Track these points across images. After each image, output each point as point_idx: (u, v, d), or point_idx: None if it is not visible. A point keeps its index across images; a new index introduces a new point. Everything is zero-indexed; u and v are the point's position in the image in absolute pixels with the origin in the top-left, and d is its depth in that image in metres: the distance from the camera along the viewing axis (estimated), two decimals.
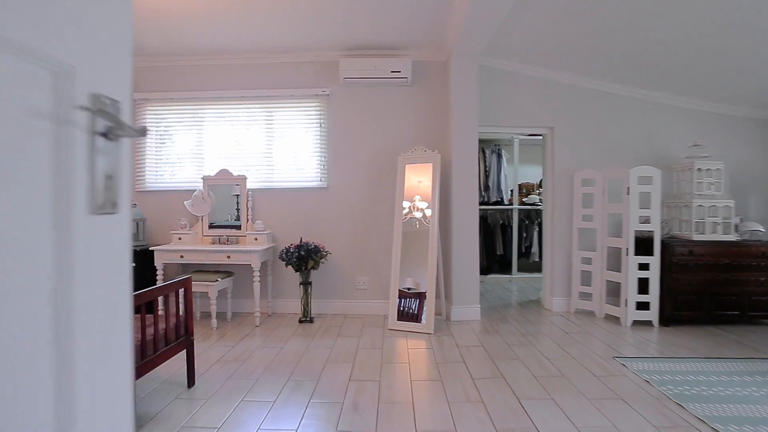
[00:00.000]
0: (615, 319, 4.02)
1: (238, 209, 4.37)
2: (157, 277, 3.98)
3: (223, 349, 3.35)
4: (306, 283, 4.08)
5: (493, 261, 6.33)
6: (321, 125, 4.37)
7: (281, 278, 4.41)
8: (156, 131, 4.48)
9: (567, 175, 4.41)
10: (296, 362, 3.06)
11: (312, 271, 4.11)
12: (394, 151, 4.34)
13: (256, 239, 4.17)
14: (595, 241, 4.20)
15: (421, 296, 3.83)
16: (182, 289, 2.63)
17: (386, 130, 4.36)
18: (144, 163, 4.46)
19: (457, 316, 4.06)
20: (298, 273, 4.12)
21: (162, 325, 2.43)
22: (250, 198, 4.33)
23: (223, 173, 4.31)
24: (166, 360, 2.39)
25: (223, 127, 4.44)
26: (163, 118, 4.47)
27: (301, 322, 4.08)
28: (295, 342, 3.51)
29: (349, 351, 3.28)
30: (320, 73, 4.36)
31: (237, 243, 4.23)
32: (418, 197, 4.05)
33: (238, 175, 4.30)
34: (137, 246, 4.17)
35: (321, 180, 4.38)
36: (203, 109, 4.43)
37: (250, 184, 4.37)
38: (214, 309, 3.86)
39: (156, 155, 4.49)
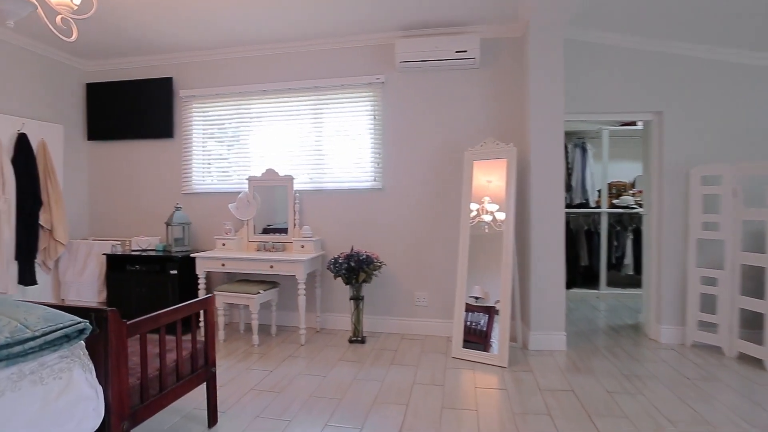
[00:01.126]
0: (754, 362, 3.06)
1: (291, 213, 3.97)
2: (199, 287, 3.68)
3: (260, 373, 2.93)
4: (357, 298, 3.58)
5: (576, 273, 5.44)
6: (375, 117, 3.85)
7: (331, 290, 3.95)
8: (203, 130, 4.22)
9: (680, 172, 3.49)
10: (339, 398, 2.56)
11: (364, 284, 3.60)
12: (460, 145, 3.70)
13: (302, 247, 3.75)
14: (722, 256, 3.25)
15: (490, 311, 3.17)
16: (202, 311, 2.22)
17: (450, 121, 3.73)
18: (191, 164, 4.22)
19: (536, 344, 3.34)
20: (348, 286, 3.64)
21: (173, 356, 2.02)
22: (297, 201, 3.91)
23: (269, 173, 3.93)
24: (174, 400, 1.98)
25: (270, 122, 4.07)
26: (210, 116, 4.20)
27: (351, 342, 3.58)
28: (341, 369, 3.01)
29: (403, 386, 2.72)
30: (373, 58, 3.84)
31: (283, 250, 3.83)
32: (487, 199, 3.38)
33: (285, 176, 3.91)
34: (181, 251, 3.91)
35: (375, 180, 3.86)
36: (248, 104, 4.10)
37: (297, 185, 3.96)
38: (255, 324, 3.48)
39: (203, 155, 4.23)
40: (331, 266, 3.53)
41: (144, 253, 3.88)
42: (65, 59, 4.19)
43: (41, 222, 3.79)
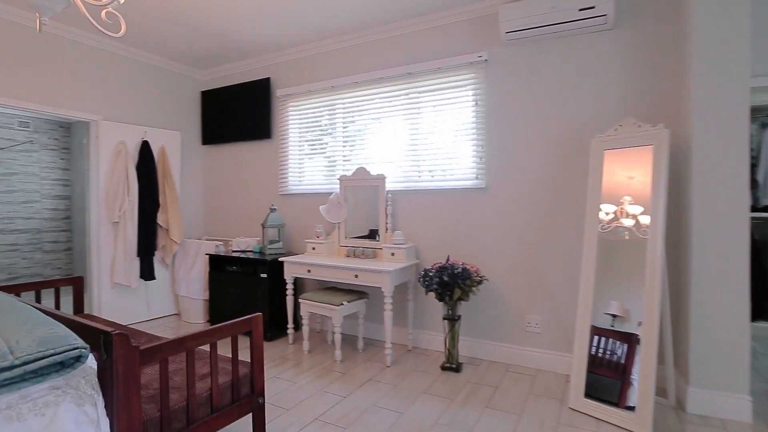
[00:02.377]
0: None
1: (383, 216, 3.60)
2: (287, 292, 3.54)
3: (331, 398, 2.60)
4: (451, 319, 3.02)
5: (764, 299, 3.97)
6: (477, 103, 3.22)
7: (426, 304, 3.46)
8: (299, 128, 4.10)
9: None
10: None
11: (462, 302, 3.02)
12: (585, 131, 2.87)
13: (393, 255, 3.33)
14: None
15: (631, 339, 2.33)
16: (247, 332, 1.94)
17: (572, 101, 2.92)
18: (287, 164, 4.15)
19: (699, 405, 2.36)
20: (442, 303, 3.10)
21: (205, 384, 1.77)
22: (389, 202, 3.51)
23: (361, 173, 3.61)
24: None
25: (361, 117, 3.75)
26: (304, 114, 4.06)
27: (443, 368, 3.04)
28: (424, 405, 2.51)
29: None
30: (473, 33, 3.21)
31: (374, 257, 3.47)
32: (627, 198, 2.51)
33: (377, 175, 3.54)
34: (275, 254, 3.84)
35: (477, 178, 3.24)
36: (340, 98, 3.83)
37: (389, 185, 3.56)
38: (338, 339, 3.18)
39: (298, 155, 4.12)
40: (422, 280, 3.04)
41: (240, 255, 3.90)
42: (183, 70, 4.49)
43: (159, 222, 4.09)
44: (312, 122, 4.02)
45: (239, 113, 4.32)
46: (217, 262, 3.96)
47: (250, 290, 3.71)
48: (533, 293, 3.08)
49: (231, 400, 1.85)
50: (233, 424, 2.18)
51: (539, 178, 3.03)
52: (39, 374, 1.28)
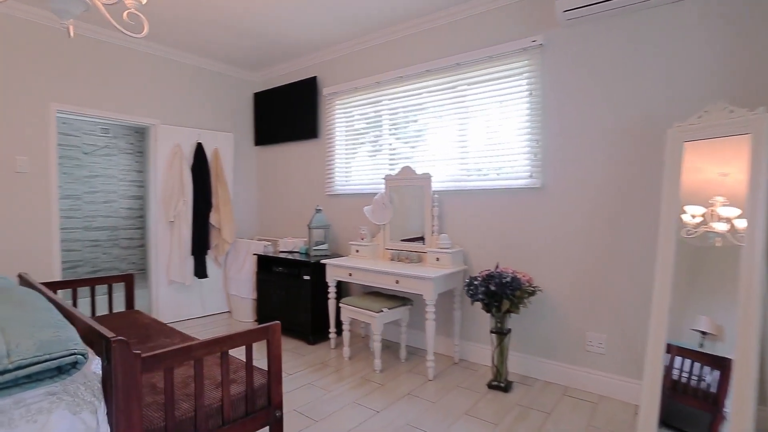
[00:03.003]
0: None
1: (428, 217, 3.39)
2: (329, 296, 3.44)
3: (364, 412, 2.44)
4: (500, 332, 2.73)
5: None
6: (531, 93, 2.89)
7: (474, 314, 3.19)
8: (345, 127, 4.00)
9: None
10: None
11: (512, 314, 2.72)
12: (660, 120, 2.43)
13: (437, 260, 3.10)
14: None
15: (725, 365, 1.91)
16: (264, 341, 1.84)
17: (643, 85, 2.49)
18: (333, 164, 4.06)
19: None
20: (489, 314, 2.82)
21: (216, 395, 1.68)
22: (435, 203, 3.28)
23: (406, 172, 3.42)
24: None
25: (406, 113, 3.55)
26: (349, 111, 3.95)
27: (490, 387, 2.76)
28: (465, 428, 2.26)
29: None
30: (526, 15, 2.88)
31: (419, 262, 3.27)
32: (720, 199, 2.08)
33: (422, 174, 3.32)
34: (320, 256, 3.77)
35: (531, 176, 2.91)
36: (385, 94, 3.67)
37: (436, 185, 3.33)
38: (377, 348, 3.02)
39: (345, 154, 4.02)
40: (466, 288, 2.78)
41: (287, 255, 3.88)
42: (236, 73, 4.59)
43: (212, 222, 4.20)
44: (358, 120, 3.90)
45: (288, 113, 4.32)
46: (264, 263, 3.98)
47: (295, 292, 3.67)
48: (596, 308, 2.68)
49: (245, 413, 1.76)
50: None
51: (604, 176, 2.64)
52: (34, 379, 1.25)
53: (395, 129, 3.64)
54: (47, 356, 1.26)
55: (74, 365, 1.31)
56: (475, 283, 2.71)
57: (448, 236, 3.23)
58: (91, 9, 1.68)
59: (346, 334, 3.26)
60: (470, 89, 3.17)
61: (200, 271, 4.15)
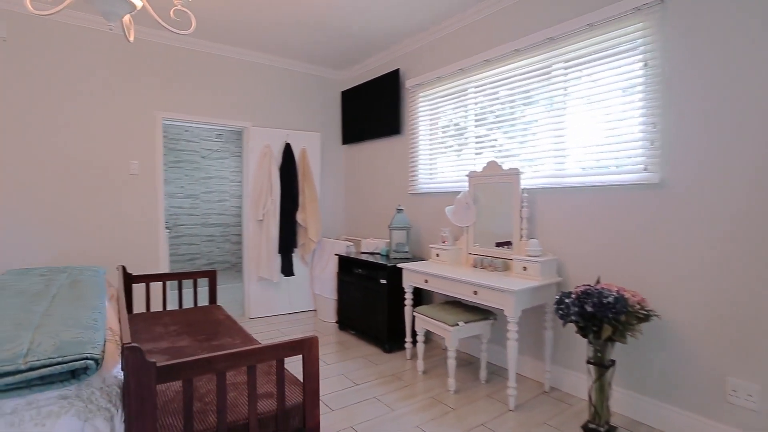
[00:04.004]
0: None
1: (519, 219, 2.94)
2: (405, 302, 3.20)
3: None
4: (600, 364, 2.20)
5: None
6: (646, 64, 2.27)
7: (572, 335, 2.66)
8: (429, 120, 3.71)
9: None
10: None
11: (616, 342, 2.17)
12: None
13: (524, 269, 2.65)
14: None
15: None
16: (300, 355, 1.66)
17: None
18: (416, 161, 3.80)
19: None
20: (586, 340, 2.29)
21: (241, 413, 1.55)
22: (524, 203, 2.82)
23: (492, 167, 3.01)
24: None
25: (492, 101, 3.12)
26: (433, 103, 3.64)
27: (587, 430, 2.24)
28: None
29: None
30: None
31: (504, 270, 2.85)
32: None
33: (509, 170, 2.88)
34: (400, 258, 3.55)
35: (646, 169, 2.29)
36: (470, 81, 3.28)
37: (526, 182, 2.87)
38: (451, 365, 2.68)
39: (429, 150, 3.72)
40: (557, 307, 2.29)
41: (368, 257, 3.73)
42: (323, 72, 4.59)
43: (299, 220, 4.26)
44: (442, 112, 3.58)
45: (371, 110, 4.18)
46: (345, 263, 3.90)
47: (372, 296, 3.50)
48: (744, 348, 1.99)
49: None
50: None
51: (752, 170, 1.93)
52: (47, 381, 1.24)
53: (483, 120, 3.24)
54: (60, 359, 1.24)
55: (85, 370, 1.28)
56: (567, 301, 2.22)
57: (539, 242, 2.75)
58: (139, 10, 1.68)
59: (420, 346, 2.99)
60: (568, 67, 2.64)
61: (287, 269, 4.24)
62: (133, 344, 1.32)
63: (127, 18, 1.81)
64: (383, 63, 4.18)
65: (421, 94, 3.72)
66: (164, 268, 3.77)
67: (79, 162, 3.33)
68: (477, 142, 3.29)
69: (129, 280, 2.84)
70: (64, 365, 1.25)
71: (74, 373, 1.28)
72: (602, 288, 2.16)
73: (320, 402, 2.54)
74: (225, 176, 6.25)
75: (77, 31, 3.30)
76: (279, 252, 4.19)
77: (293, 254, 4.29)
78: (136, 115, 3.55)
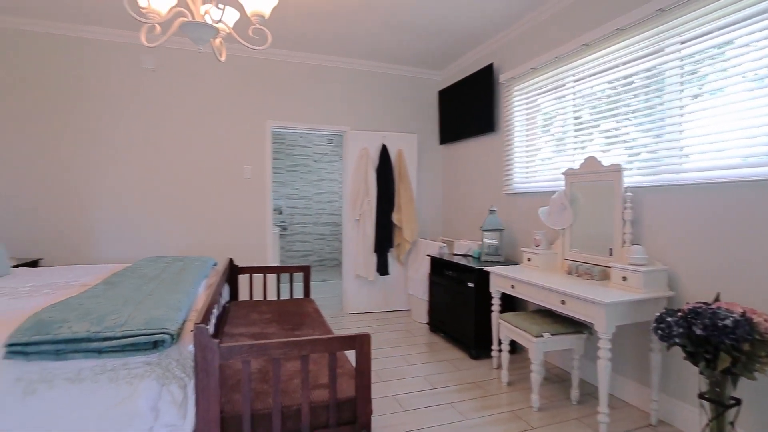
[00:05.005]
0: None
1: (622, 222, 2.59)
2: (492, 308, 3.04)
3: None
4: (717, 401, 1.81)
5: None
6: None
7: (682, 361, 2.24)
8: (526, 116, 3.47)
9: None
10: None
11: (740, 377, 1.76)
12: None
13: (624, 279, 2.32)
14: None
15: None
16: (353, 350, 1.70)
17: None
18: (512, 159, 3.58)
19: None
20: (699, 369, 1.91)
21: (294, 398, 1.64)
22: (628, 203, 2.46)
23: (590, 164, 2.70)
24: None
25: (595, 89, 2.78)
26: (531, 97, 3.39)
27: None
28: None
29: None
30: None
31: (603, 279, 2.53)
32: None
33: (609, 165, 2.55)
34: (491, 261, 3.39)
35: None
36: (567, 70, 2.98)
37: (629, 179, 2.51)
38: (534, 380, 2.47)
39: (526, 147, 3.48)
40: (656, 326, 1.95)
41: (461, 259, 3.64)
42: (419, 73, 4.61)
43: (394, 221, 4.34)
44: (538, 106, 3.31)
45: (466, 108, 4.06)
46: (436, 265, 3.85)
47: (460, 299, 3.41)
48: None
49: (326, 423, 1.68)
50: None
51: None
52: (136, 348, 1.48)
53: (582, 111, 2.92)
54: (142, 332, 1.48)
55: (161, 343, 1.50)
56: (669, 319, 1.87)
57: (644, 249, 2.37)
58: (222, 33, 1.91)
59: (504, 355, 2.81)
60: (683, 45, 2.23)
61: (382, 268, 4.35)
62: (201, 325, 1.51)
63: (217, 41, 2.07)
64: (478, 59, 4.04)
65: (515, 89, 3.51)
66: (272, 263, 4.18)
67: (204, 168, 3.90)
68: (576, 137, 2.98)
69: (235, 271, 3.22)
70: (147, 336, 1.48)
71: (156, 344, 1.51)
72: (718, 307, 1.78)
73: (394, 400, 2.56)
74: (335, 178, 6.68)
75: (202, 57, 3.87)
76: (375, 251, 4.33)
77: (389, 254, 4.39)
78: (249, 124, 4.02)
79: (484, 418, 2.37)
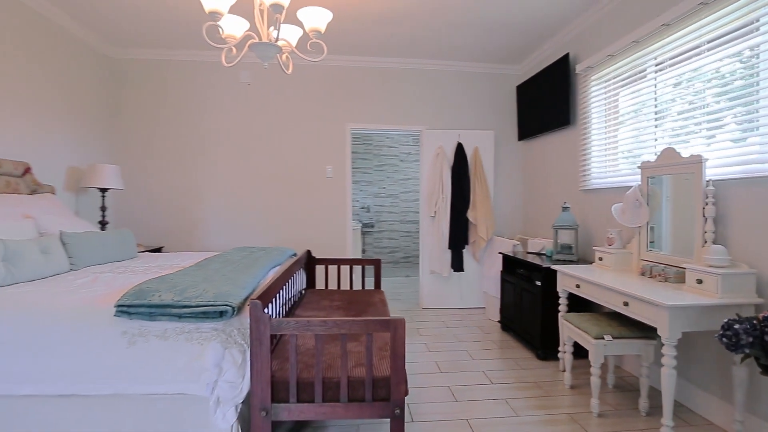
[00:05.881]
0: None
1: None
2: (559, 308, 2.93)
3: None
4: None
5: None
6: None
7: None
8: (605, 107, 3.25)
9: None
10: None
11: None
12: None
13: (699, 282, 2.10)
14: None
15: None
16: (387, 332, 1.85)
17: None
18: (589, 153, 3.37)
19: None
20: None
21: (333, 372, 1.83)
22: (710, 198, 2.21)
23: (667, 155, 2.47)
24: (335, 417, 1.80)
25: (678, 73, 2.52)
26: (608, 86, 3.16)
27: None
28: None
29: None
30: None
31: (679, 282, 2.31)
32: None
33: (689, 157, 2.31)
34: (564, 259, 3.26)
35: None
36: (646, 54, 2.74)
37: (712, 171, 2.25)
38: (594, 384, 2.35)
39: (605, 140, 3.26)
40: (721, 333, 1.75)
41: (534, 257, 3.54)
42: (495, 69, 4.53)
43: (470, 218, 4.34)
44: (616, 96, 3.08)
45: (542, 102, 3.91)
46: (508, 263, 3.79)
47: (529, 298, 3.32)
48: None
49: (363, 397, 1.84)
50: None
51: None
52: (206, 316, 1.81)
53: (664, 97, 2.67)
54: (212, 303, 1.80)
55: (224, 314, 1.80)
56: (736, 327, 1.68)
57: (728, 250, 2.12)
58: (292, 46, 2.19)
59: (567, 357, 2.70)
60: None
61: (456, 265, 4.39)
62: (256, 300, 1.79)
63: (284, 56, 2.37)
64: (554, 50, 3.86)
65: (593, 78, 3.30)
66: (351, 255, 4.48)
67: (290, 170, 4.35)
68: (656, 127, 2.73)
69: (312, 261, 3.56)
70: (215, 307, 1.80)
71: (221, 313, 1.82)
72: None
73: (448, 390, 2.63)
74: (419, 177, 6.83)
75: (290, 71, 4.32)
76: (449, 248, 4.38)
77: (464, 251, 4.41)
78: (331, 127, 4.37)
79: (535, 417, 2.34)
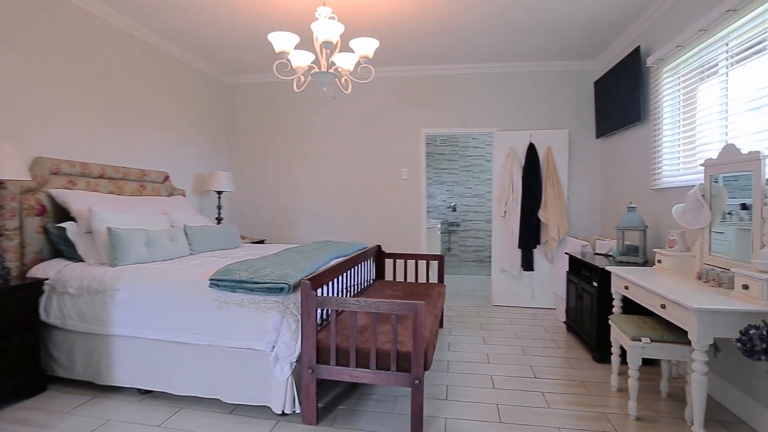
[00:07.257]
0: None
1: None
2: (613, 308, 2.89)
3: None
4: None
5: None
6: None
7: None
8: (677, 101, 3.06)
9: None
10: None
11: None
12: None
13: (745, 287, 2.00)
14: None
15: None
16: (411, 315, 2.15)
17: None
18: (660, 151, 3.20)
19: None
20: None
21: (365, 345, 2.19)
22: None
23: (728, 152, 2.33)
24: (366, 382, 2.17)
25: (753, 60, 2.34)
26: (680, 79, 2.98)
27: None
28: None
29: None
30: None
31: (730, 288, 2.20)
32: None
33: (747, 153, 2.17)
34: (627, 261, 3.17)
35: None
36: (717, 41, 2.56)
37: None
38: (632, 387, 2.34)
39: (677, 137, 3.08)
40: (739, 338, 1.69)
41: (601, 258, 3.47)
42: (570, 66, 4.41)
43: (541, 218, 4.33)
44: (688, 89, 2.90)
45: (615, 97, 3.74)
46: (574, 263, 3.73)
47: (587, 298, 3.29)
48: None
49: (388, 367, 2.18)
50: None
51: None
52: (270, 291, 2.32)
53: (738, 88, 2.49)
54: (275, 281, 2.30)
55: (282, 290, 2.29)
56: (751, 332, 1.63)
57: None
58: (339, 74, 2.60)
59: (615, 358, 2.68)
60: None
61: (526, 264, 4.41)
62: (306, 280, 2.24)
63: (344, 79, 2.79)
64: (628, 43, 3.68)
65: (664, 71, 3.13)
66: (426, 252, 4.79)
67: (369, 172, 4.82)
68: (730, 122, 2.55)
69: (381, 255, 3.97)
70: (276, 284, 2.30)
71: (281, 290, 2.31)
72: None
73: (489, 378, 2.81)
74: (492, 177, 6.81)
75: (365, 82, 4.78)
76: (519, 247, 4.43)
77: (535, 250, 4.42)
78: (406, 132, 4.73)
79: (567, 411, 2.41)
